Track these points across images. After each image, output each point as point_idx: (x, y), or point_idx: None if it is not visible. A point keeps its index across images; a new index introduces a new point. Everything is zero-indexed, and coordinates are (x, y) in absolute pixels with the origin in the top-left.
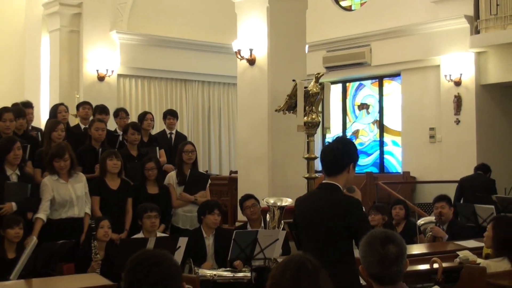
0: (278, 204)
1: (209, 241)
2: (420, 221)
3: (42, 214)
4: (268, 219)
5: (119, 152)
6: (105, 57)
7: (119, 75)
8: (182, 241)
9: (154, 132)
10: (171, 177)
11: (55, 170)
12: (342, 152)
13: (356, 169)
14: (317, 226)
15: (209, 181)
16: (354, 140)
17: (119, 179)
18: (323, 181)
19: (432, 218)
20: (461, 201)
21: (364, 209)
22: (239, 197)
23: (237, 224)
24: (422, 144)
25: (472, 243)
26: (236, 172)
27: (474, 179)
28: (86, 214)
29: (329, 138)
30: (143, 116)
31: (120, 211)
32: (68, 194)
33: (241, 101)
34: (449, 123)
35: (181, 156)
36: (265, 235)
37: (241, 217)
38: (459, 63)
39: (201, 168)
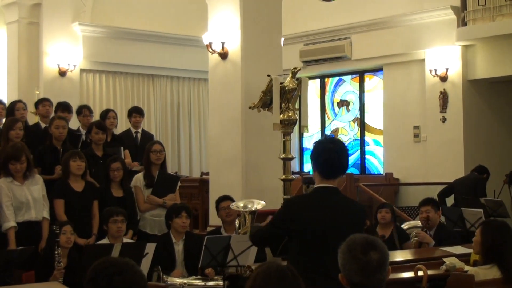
0: (249, 207)
1: (179, 247)
2: (404, 226)
3: (12, 222)
4: (237, 224)
5: (82, 152)
6: (66, 50)
7: (82, 70)
8: (150, 248)
9: (118, 131)
10: (138, 179)
11: (10, 172)
12: (346, 154)
13: None
14: (327, 234)
15: (179, 183)
16: None
17: (83, 181)
18: (321, 185)
19: (417, 222)
20: (446, 203)
21: None
22: (211, 200)
23: (209, 229)
24: (406, 144)
25: (459, 249)
26: (207, 173)
27: (465, 179)
28: (45, 218)
29: (307, 136)
30: (105, 114)
31: (85, 214)
32: (24, 196)
33: (213, 97)
34: (434, 121)
35: (148, 157)
36: (239, 241)
37: (213, 221)
38: (445, 57)
39: (170, 169)
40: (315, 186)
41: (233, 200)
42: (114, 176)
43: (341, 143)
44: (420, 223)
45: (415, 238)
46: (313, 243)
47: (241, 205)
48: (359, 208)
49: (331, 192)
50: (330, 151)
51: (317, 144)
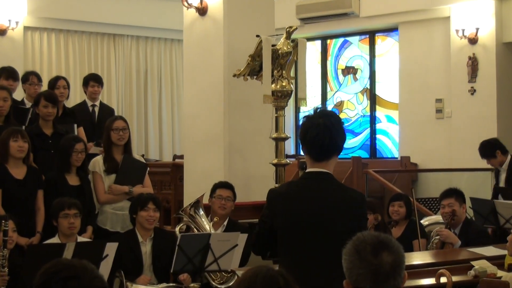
0: None
1: (146, 248)
2: (424, 222)
3: None
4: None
5: (26, 130)
6: (7, 4)
7: (26, 28)
8: (111, 248)
9: (71, 104)
10: (97, 163)
11: None
12: (337, 129)
13: (343, 152)
14: (315, 231)
15: (148, 168)
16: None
17: (25, 166)
18: (310, 170)
19: (438, 217)
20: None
21: None
22: (186, 190)
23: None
24: (426, 121)
25: (491, 251)
26: (181, 157)
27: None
28: None
29: (305, 112)
30: (54, 82)
31: (28, 207)
32: None
33: (188, 63)
34: (461, 93)
35: (109, 136)
36: (220, 240)
37: None
38: (475, 14)
39: (136, 152)
40: (305, 171)
41: (234, 192)
42: (76, 160)
43: (333, 117)
44: (442, 219)
45: (437, 237)
46: (298, 243)
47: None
48: (355, 197)
49: (320, 178)
50: (318, 127)
51: (305, 119)
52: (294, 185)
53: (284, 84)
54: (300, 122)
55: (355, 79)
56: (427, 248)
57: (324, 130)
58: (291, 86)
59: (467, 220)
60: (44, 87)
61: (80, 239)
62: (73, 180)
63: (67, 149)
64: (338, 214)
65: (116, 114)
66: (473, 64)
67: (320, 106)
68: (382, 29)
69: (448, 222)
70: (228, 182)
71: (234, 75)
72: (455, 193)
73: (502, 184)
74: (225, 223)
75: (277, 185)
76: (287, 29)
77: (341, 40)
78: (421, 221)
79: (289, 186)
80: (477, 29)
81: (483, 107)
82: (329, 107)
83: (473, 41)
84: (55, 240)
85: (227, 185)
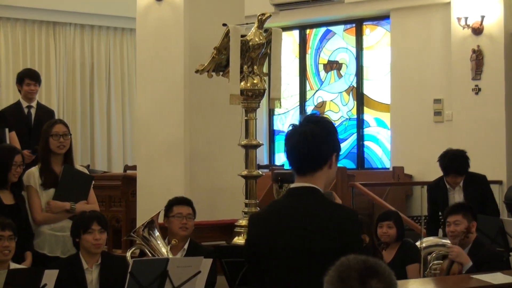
0: None
1: (92, 276)
2: (422, 244)
3: None
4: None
5: None
6: None
7: None
8: (50, 276)
9: (3, 104)
10: (32, 175)
11: None
12: (321, 138)
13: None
14: (301, 257)
15: (93, 182)
16: None
17: None
18: (294, 185)
19: (437, 239)
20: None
21: None
22: (139, 207)
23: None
24: (423, 125)
25: (499, 278)
26: (134, 167)
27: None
28: None
29: (281, 114)
30: None
31: None
32: None
33: (142, 57)
34: (464, 92)
35: (47, 143)
36: (180, 266)
37: None
38: (479, 0)
39: (80, 162)
40: (290, 187)
41: (194, 209)
42: (14, 175)
43: (319, 123)
44: (448, 240)
45: (437, 262)
46: (282, 270)
47: None
48: (347, 216)
49: (305, 194)
50: (298, 135)
51: (290, 127)
52: (275, 205)
53: (255, 81)
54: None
55: (339, 75)
56: (424, 275)
57: (305, 138)
58: (264, 84)
59: (478, 241)
60: None
61: (13, 266)
62: (7, 198)
63: (5, 163)
64: (326, 236)
65: (56, 117)
66: (478, 58)
67: (314, 112)
68: (370, 17)
69: (457, 242)
70: (185, 197)
71: (197, 71)
72: (462, 209)
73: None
74: (186, 246)
75: (248, 201)
76: (259, 17)
77: (322, 29)
78: (417, 243)
79: (270, 207)
80: (482, 17)
81: (489, 108)
82: (309, 108)
83: (477, 31)
84: None
85: (185, 201)
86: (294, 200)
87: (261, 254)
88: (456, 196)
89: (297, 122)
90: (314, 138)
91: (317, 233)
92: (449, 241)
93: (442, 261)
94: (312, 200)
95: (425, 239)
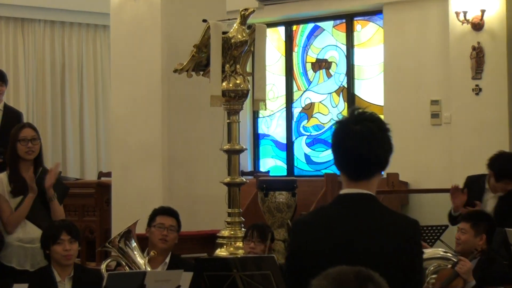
0: None
1: None
2: None
3: None
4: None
5: None
6: None
7: None
8: None
9: None
10: (0, 182)
11: None
12: (380, 139)
13: (314, 168)
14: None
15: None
16: (305, 122)
17: None
18: (346, 191)
19: (436, 250)
20: None
21: None
22: (114, 215)
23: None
24: (419, 128)
25: None
26: (109, 174)
27: None
28: None
29: (265, 117)
30: None
31: None
32: None
33: (117, 55)
34: (463, 92)
35: (14, 148)
36: (159, 280)
37: None
38: None
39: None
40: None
41: (178, 221)
42: None
43: (373, 122)
44: (455, 252)
45: (434, 276)
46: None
47: None
48: (407, 226)
49: (360, 201)
50: (354, 136)
51: (337, 125)
52: (324, 212)
53: (238, 81)
54: (333, 129)
55: (329, 75)
56: None
57: (361, 140)
58: (247, 84)
59: (491, 255)
60: None
61: None
62: None
63: None
64: (386, 250)
65: (24, 119)
66: (478, 56)
67: (358, 107)
68: (362, 11)
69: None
70: (171, 208)
71: (175, 71)
72: (475, 219)
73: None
74: (167, 260)
75: (231, 210)
76: (242, 12)
77: (310, 25)
78: None
79: (317, 214)
80: (483, 11)
81: (491, 109)
82: (295, 110)
83: (477, 26)
84: None
85: (170, 212)
86: (347, 208)
87: (307, 267)
88: (489, 202)
89: (343, 120)
90: (373, 139)
91: (377, 248)
92: (449, 253)
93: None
94: (370, 209)
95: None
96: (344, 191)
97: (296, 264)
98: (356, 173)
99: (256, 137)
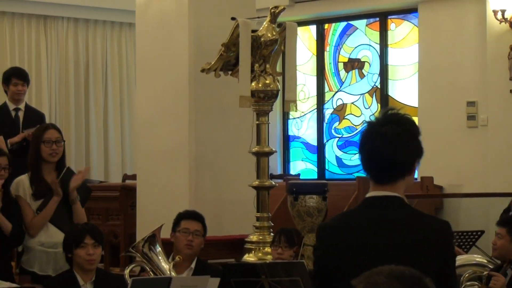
0: None
1: None
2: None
3: None
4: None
5: None
6: None
7: None
8: None
9: None
10: (22, 184)
11: None
12: (404, 142)
13: (346, 171)
14: None
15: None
16: (337, 123)
17: None
18: (372, 194)
19: (472, 257)
20: None
21: None
22: (139, 219)
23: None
24: (455, 131)
25: None
26: (134, 177)
27: None
28: None
29: (296, 118)
30: None
31: None
32: None
33: (143, 54)
34: (501, 94)
35: (38, 150)
36: (185, 286)
37: None
38: None
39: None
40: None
41: (204, 225)
42: None
43: (403, 124)
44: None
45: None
46: None
47: None
48: (439, 229)
49: (387, 204)
50: (380, 138)
51: (365, 127)
52: (351, 215)
53: (268, 82)
54: (362, 129)
55: (362, 75)
56: None
57: (386, 142)
58: (277, 84)
59: None
60: None
61: (3, 285)
62: None
63: None
64: (415, 253)
65: (47, 121)
66: None
67: (392, 108)
68: (396, 10)
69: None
70: (197, 212)
71: (203, 70)
72: (510, 223)
73: None
74: (193, 265)
75: (259, 214)
76: (272, 10)
77: (343, 24)
78: None
79: (344, 217)
80: None
81: None
82: (327, 112)
83: None
84: None
85: (195, 216)
86: (375, 211)
87: (334, 271)
88: None
89: (373, 122)
90: (397, 142)
91: (406, 252)
92: (484, 259)
93: (477, 283)
94: (397, 211)
95: (458, 258)
96: (370, 194)
97: (323, 268)
98: (379, 176)
99: (286, 139)
